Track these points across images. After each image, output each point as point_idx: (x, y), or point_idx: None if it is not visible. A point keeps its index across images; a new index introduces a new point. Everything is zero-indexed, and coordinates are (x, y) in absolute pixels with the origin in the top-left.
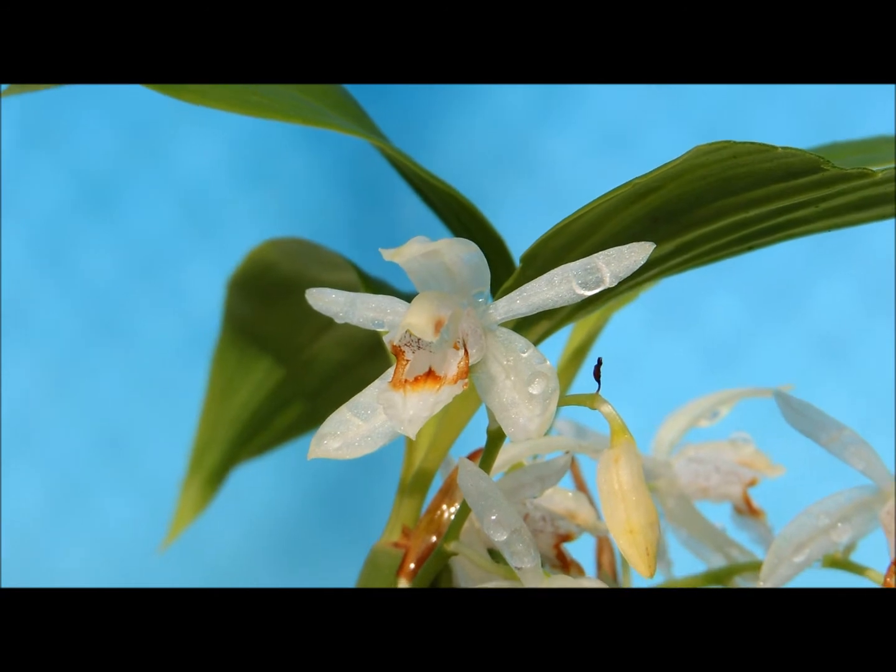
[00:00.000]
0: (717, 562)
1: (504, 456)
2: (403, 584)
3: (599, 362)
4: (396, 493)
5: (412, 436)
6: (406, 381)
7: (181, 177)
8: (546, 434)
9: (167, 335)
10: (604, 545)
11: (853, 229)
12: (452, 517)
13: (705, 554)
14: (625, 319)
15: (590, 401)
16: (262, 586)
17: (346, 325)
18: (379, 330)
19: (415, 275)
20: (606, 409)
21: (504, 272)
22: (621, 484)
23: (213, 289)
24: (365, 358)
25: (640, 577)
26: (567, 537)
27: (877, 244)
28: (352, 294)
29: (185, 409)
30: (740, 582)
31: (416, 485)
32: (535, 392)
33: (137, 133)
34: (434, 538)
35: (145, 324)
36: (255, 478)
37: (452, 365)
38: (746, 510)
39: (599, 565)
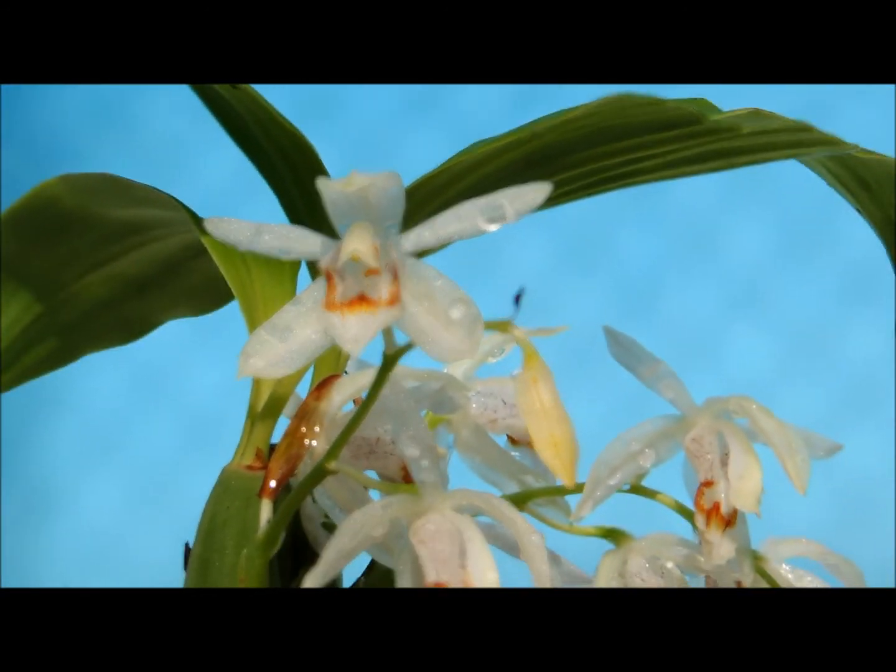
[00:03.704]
0: (511, 489)
1: (352, 387)
2: (266, 504)
3: (522, 291)
4: (247, 416)
5: (356, 355)
6: (341, 303)
7: None
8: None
9: None
10: None
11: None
12: (312, 441)
13: (499, 481)
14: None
15: (503, 326)
16: None
17: (119, 262)
18: (281, 257)
19: (335, 206)
20: (518, 333)
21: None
22: (543, 402)
23: None
24: (131, 295)
25: None
26: None
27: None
28: (254, 223)
29: None
30: (535, 507)
31: (268, 409)
32: (456, 316)
33: None
34: (295, 460)
35: None
36: None
37: (383, 290)
38: (525, 440)
39: None
